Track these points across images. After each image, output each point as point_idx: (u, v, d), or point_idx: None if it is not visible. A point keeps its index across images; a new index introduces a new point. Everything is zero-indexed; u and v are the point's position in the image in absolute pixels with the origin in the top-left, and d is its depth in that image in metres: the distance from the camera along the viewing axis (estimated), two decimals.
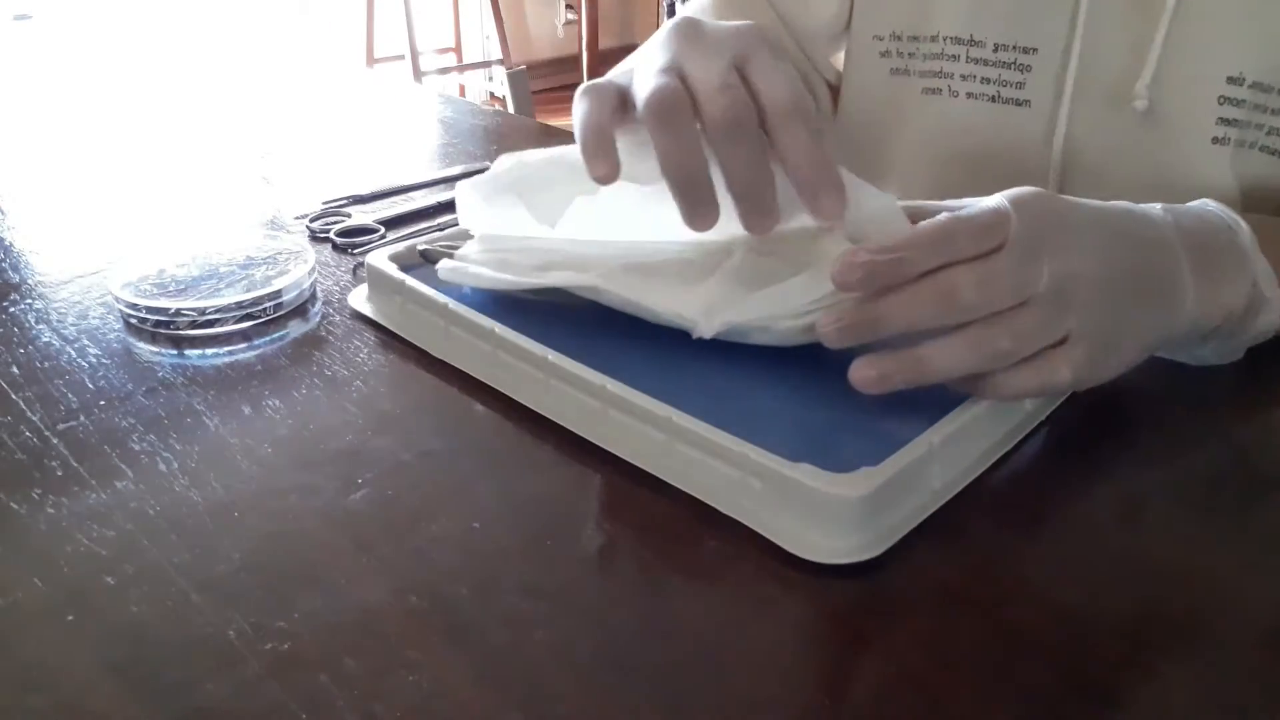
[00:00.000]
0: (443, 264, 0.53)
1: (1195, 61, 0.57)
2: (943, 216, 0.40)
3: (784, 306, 0.44)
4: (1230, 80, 0.57)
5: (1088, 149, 0.63)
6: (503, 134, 0.93)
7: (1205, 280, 0.43)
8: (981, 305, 0.39)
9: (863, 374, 0.40)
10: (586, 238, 0.52)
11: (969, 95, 0.67)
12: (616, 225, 0.51)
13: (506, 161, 0.53)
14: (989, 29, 0.65)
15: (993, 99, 0.66)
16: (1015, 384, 0.40)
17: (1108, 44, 0.60)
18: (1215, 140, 0.58)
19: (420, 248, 0.57)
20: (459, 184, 0.54)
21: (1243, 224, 0.46)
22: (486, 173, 0.53)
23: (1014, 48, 0.64)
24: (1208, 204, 0.47)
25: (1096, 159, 0.63)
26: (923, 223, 0.40)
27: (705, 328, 0.45)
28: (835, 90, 0.83)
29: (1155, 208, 0.44)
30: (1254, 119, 0.57)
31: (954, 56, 0.67)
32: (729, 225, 0.45)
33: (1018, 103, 0.65)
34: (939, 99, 0.69)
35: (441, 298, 0.50)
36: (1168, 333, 0.44)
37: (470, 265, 0.52)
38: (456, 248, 0.55)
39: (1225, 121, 0.57)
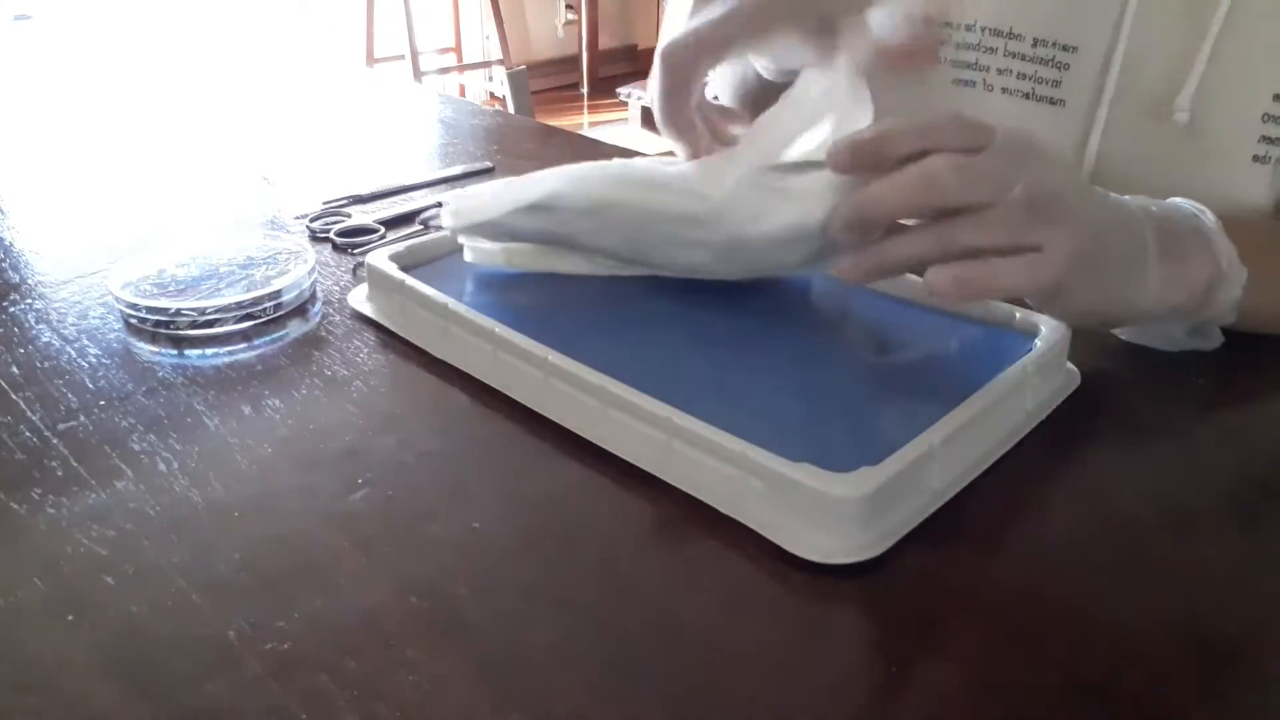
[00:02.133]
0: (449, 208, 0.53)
1: (1240, 77, 0.57)
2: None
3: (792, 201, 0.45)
4: (1276, 98, 0.56)
5: (1122, 157, 0.62)
6: (503, 134, 0.93)
7: (1170, 258, 0.45)
8: (958, 190, 0.41)
9: (840, 269, 0.44)
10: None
11: (1003, 90, 0.66)
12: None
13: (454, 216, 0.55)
14: (1030, 22, 0.63)
15: (1026, 96, 0.65)
16: (995, 275, 0.41)
17: (1152, 51, 0.59)
18: (1256, 159, 0.57)
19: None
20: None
21: (1208, 211, 0.48)
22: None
23: (1054, 44, 0.63)
24: (1178, 200, 0.49)
25: (1130, 168, 0.62)
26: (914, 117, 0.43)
27: (717, 195, 0.46)
28: None
29: (1124, 196, 0.46)
30: None
31: (991, 49, 0.66)
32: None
33: (1052, 102, 0.64)
34: (971, 92, 0.67)
35: (441, 298, 0.50)
36: (1125, 310, 0.46)
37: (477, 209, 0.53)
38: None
39: (1267, 140, 0.57)
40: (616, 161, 0.51)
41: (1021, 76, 0.65)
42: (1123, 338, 0.52)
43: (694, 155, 0.50)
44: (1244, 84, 0.57)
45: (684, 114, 0.49)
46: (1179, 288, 0.46)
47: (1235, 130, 0.58)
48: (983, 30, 0.66)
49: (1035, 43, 0.64)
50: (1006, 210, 0.41)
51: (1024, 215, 0.41)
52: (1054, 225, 0.41)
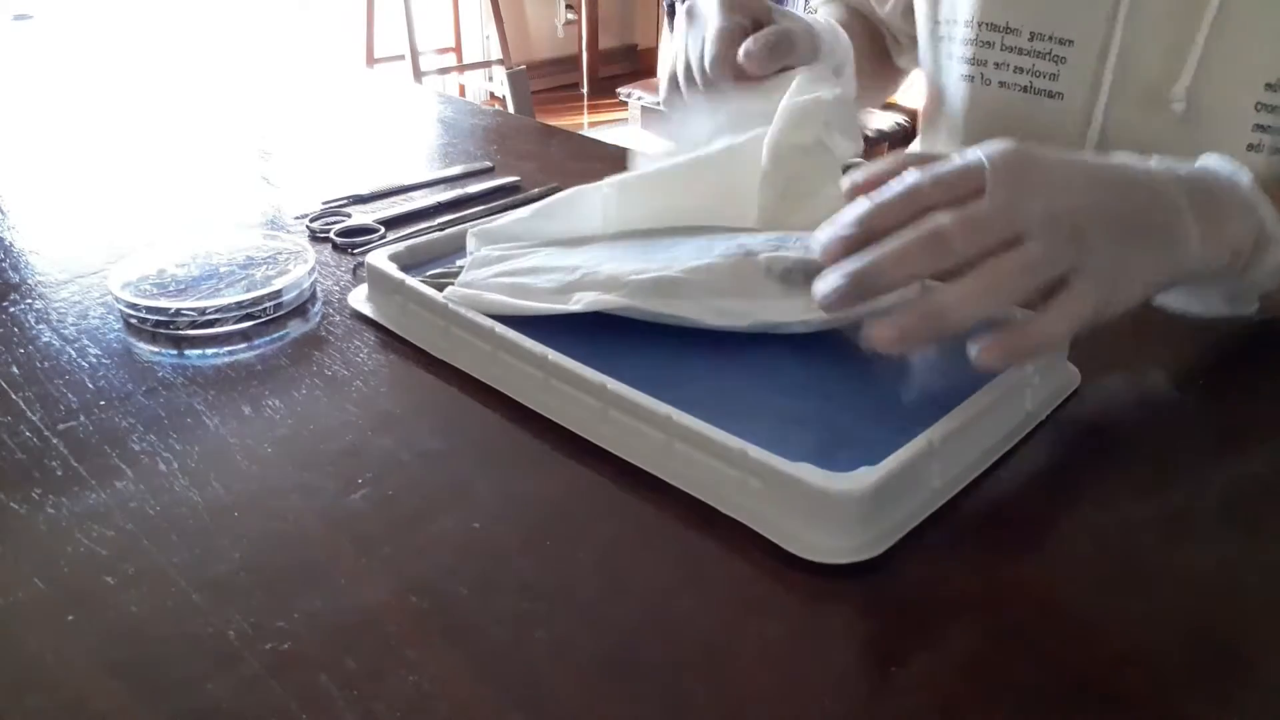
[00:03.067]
0: (450, 290, 0.51)
1: (1234, 66, 0.57)
2: (909, 170, 0.40)
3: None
4: (1269, 87, 0.56)
5: (1121, 147, 0.62)
6: (503, 134, 0.93)
7: (1208, 220, 0.43)
8: (969, 243, 0.38)
9: (882, 334, 0.38)
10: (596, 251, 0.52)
11: (1001, 84, 0.67)
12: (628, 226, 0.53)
13: (479, 254, 0.55)
14: (1025, 17, 0.64)
15: (1025, 89, 0.66)
16: (1044, 328, 0.39)
17: (1147, 42, 0.60)
18: (1250, 147, 0.58)
19: (429, 275, 0.55)
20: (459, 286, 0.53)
21: (1244, 170, 0.46)
22: (469, 272, 0.53)
23: (1050, 38, 0.64)
24: (1208, 157, 0.47)
25: None
26: (891, 182, 0.40)
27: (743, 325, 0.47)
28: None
29: (1151, 159, 0.44)
30: None
31: (988, 43, 0.67)
32: (731, 210, 0.46)
33: (1050, 94, 0.65)
34: (973, 86, 0.69)
35: (441, 298, 0.50)
36: (1174, 271, 0.44)
37: (484, 292, 0.51)
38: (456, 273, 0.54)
39: (1261, 128, 0.57)
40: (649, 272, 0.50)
41: (1019, 70, 0.66)
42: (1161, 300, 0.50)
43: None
44: (1238, 73, 0.57)
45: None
46: (1221, 248, 0.44)
47: (1230, 119, 0.58)
48: (979, 25, 0.67)
49: (1032, 36, 0.64)
50: (1036, 243, 0.38)
51: (1051, 242, 0.39)
52: (1074, 246, 0.39)
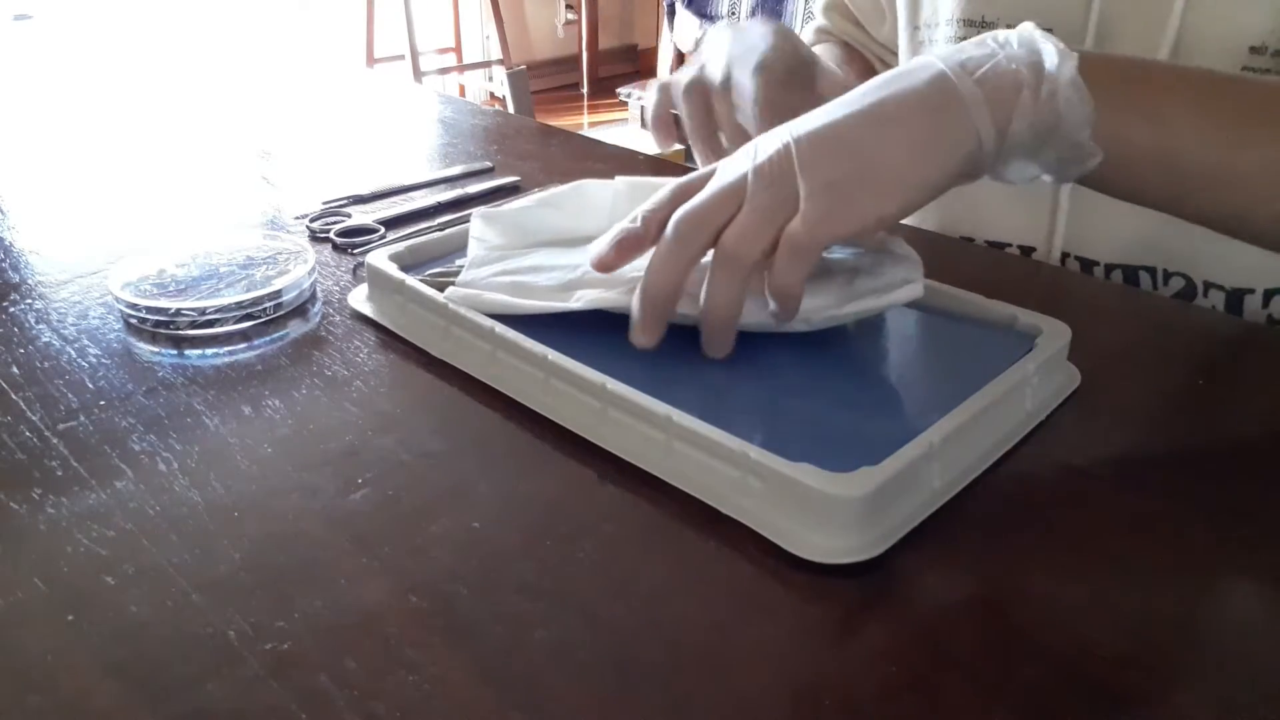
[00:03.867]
0: (451, 291, 0.51)
1: (1215, 33, 0.56)
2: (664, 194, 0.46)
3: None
4: (1253, 50, 0.55)
5: None
6: (503, 134, 0.93)
7: (986, 81, 0.42)
8: (699, 227, 0.43)
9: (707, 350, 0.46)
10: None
11: None
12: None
13: (478, 243, 0.56)
14: (1000, 10, 0.64)
15: None
16: (778, 277, 0.43)
17: (1123, 21, 0.59)
18: None
19: (429, 275, 0.55)
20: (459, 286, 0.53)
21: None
22: (472, 260, 0.54)
23: None
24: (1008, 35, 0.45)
25: None
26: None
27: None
28: None
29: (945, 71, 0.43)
30: None
31: (964, 39, 0.66)
32: None
33: None
34: None
35: (441, 298, 0.50)
36: (964, 155, 0.43)
37: (484, 292, 0.51)
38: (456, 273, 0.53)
39: None
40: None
41: None
42: (1009, 179, 0.46)
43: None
44: (1220, 39, 0.57)
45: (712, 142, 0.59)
46: (1002, 94, 0.42)
47: None
48: (956, 23, 0.67)
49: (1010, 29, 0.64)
50: (752, 206, 0.42)
51: (769, 193, 0.42)
52: (799, 178, 0.42)
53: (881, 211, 0.42)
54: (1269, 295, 0.62)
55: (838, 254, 0.50)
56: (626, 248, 0.46)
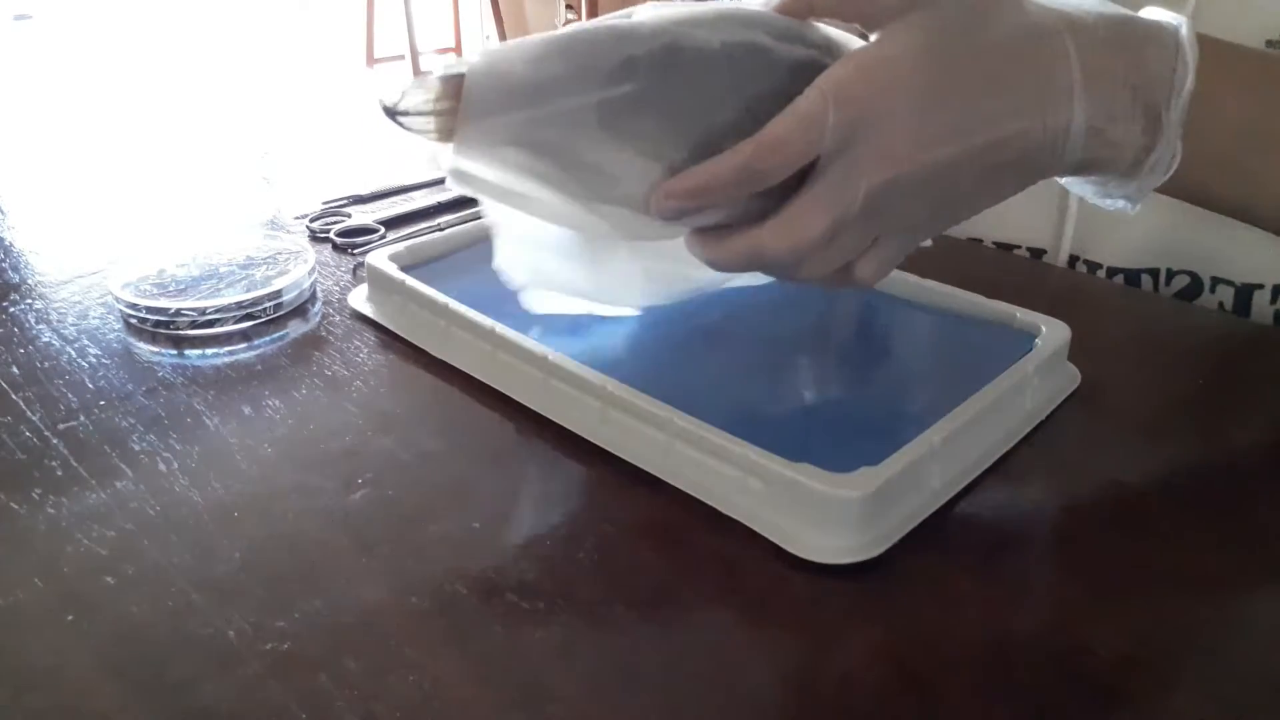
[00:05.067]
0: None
1: (1231, 27, 0.56)
2: (747, 150, 0.37)
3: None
4: (1270, 44, 0.55)
5: None
6: None
7: (1099, 133, 0.39)
8: (793, 261, 0.38)
9: (705, 253, 0.40)
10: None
11: None
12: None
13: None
14: None
15: None
16: (817, 279, 0.40)
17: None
18: None
19: None
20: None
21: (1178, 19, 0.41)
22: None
23: None
24: (1167, 29, 0.41)
25: None
26: (730, 154, 0.38)
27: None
28: None
29: (1066, 38, 0.39)
30: None
31: None
32: None
33: None
34: None
35: (441, 298, 0.50)
36: (1037, 178, 0.41)
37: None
38: None
39: None
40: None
41: None
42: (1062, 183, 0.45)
43: None
44: (1235, 35, 0.56)
45: None
46: (1102, 151, 0.40)
47: None
48: None
49: None
50: (845, 235, 0.38)
51: (860, 228, 0.38)
52: (885, 221, 0.38)
53: (936, 235, 0.41)
54: (1278, 290, 0.62)
55: None
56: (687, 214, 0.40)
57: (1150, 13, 0.43)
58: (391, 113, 0.38)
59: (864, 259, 0.40)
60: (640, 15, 0.39)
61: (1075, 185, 0.45)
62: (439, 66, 0.39)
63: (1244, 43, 0.55)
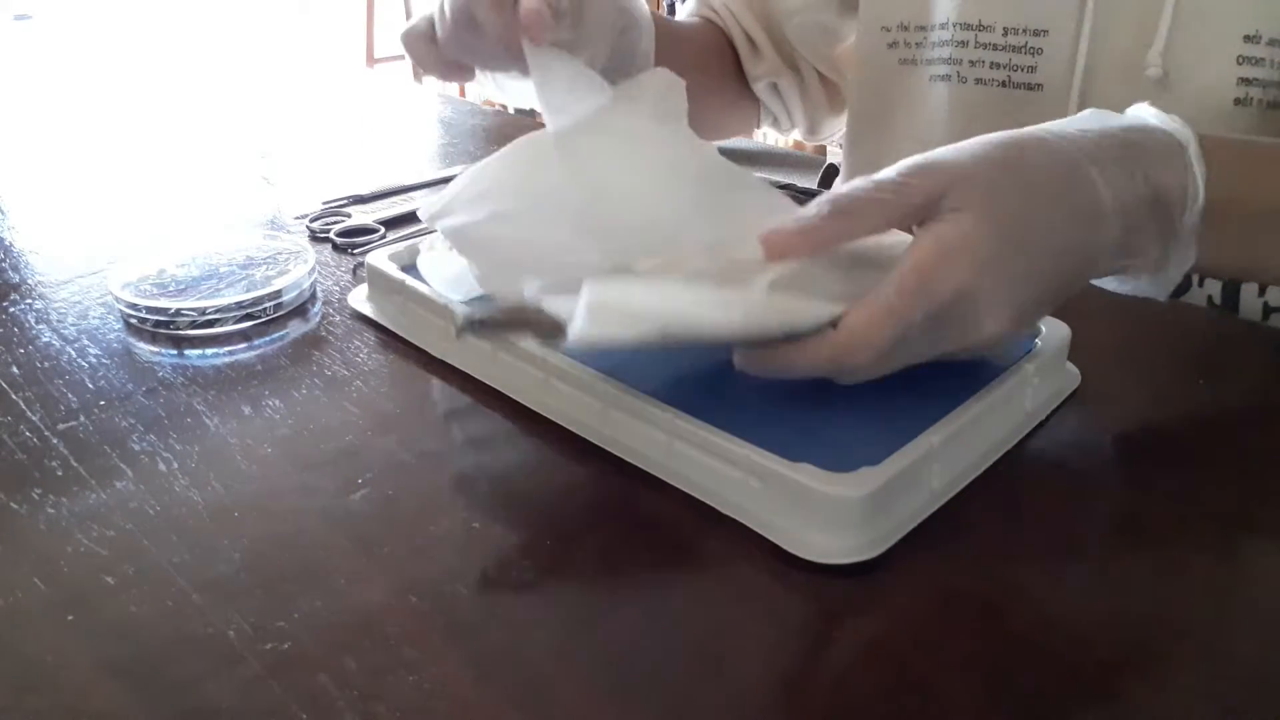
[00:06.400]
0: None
1: (1208, 24, 0.56)
2: (828, 349, 0.40)
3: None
4: (1247, 39, 0.56)
5: None
6: (503, 134, 0.93)
7: (1129, 251, 0.42)
8: (865, 367, 0.40)
9: (751, 366, 0.42)
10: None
11: (978, 81, 0.66)
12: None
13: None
14: (997, 13, 0.64)
15: (1003, 84, 0.65)
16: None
17: (1118, 17, 0.59)
18: (1238, 101, 0.57)
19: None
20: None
21: (1177, 124, 0.44)
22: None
23: (1024, 30, 0.63)
24: (1171, 147, 0.43)
25: None
26: (817, 345, 0.40)
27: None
28: (825, 80, 0.83)
29: (1095, 178, 0.41)
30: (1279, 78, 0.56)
31: (962, 43, 0.66)
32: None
33: (1030, 86, 0.64)
34: (948, 85, 0.68)
35: (442, 298, 0.50)
36: (1086, 277, 0.43)
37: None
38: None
39: (1246, 81, 0.56)
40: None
41: (995, 66, 0.65)
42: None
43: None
44: (1213, 30, 0.57)
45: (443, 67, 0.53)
46: (1140, 207, 0.42)
47: (1211, 79, 0.57)
48: (954, 26, 0.67)
49: (1005, 32, 0.64)
50: (929, 334, 0.39)
51: (946, 333, 0.40)
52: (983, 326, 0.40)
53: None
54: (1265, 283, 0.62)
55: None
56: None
57: (1152, 119, 0.44)
58: (476, 327, 0.42)
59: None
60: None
61: (1103, 283, 0.47)
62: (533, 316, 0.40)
63: (1221, 40, 0.56)
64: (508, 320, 0.42)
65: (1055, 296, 0.42)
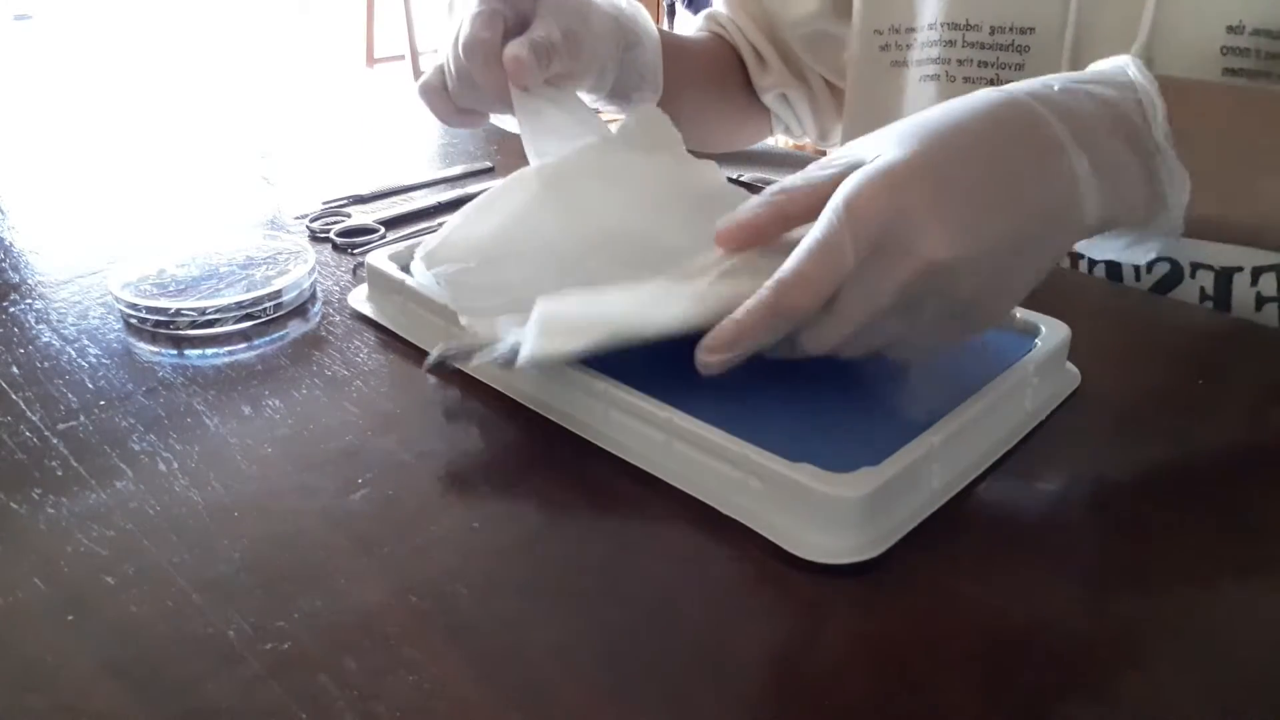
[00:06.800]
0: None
1: (1191, 17, 0.57)
2: (770, 294, 0.39)
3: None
4: (1230, 30, 0.56)
5: None
6: (503, 134, 0.93)
7: (1106, 179, 0.41)
8: (808, 301, 0.38)
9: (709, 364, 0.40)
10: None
11: (966, 80, 0.67)
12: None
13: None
14: (984, 12, 0.64)
15: (991, 82, 0.65)
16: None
17: (1102, 12, 0.60)
18: None
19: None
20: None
21: (1129, 67, 0.43)
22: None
23: (1010, 29, 0.64)
24: (1115, 73, 0.43)
25: None
26: (756, 301, 0.39)
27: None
28: (833, 87, 0.83)
29: (1034, 103, 0.41)
30: (1265, 67, 0.56)
31: (950, 42, 0.67)
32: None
33: None
34: (937, 84, 0.69)
35: (442, 298, 0.50)
36: (1065, 245, 0.42)
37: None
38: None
39: (1231, 72, 0.56)
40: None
41: (984, 65, 0.66)
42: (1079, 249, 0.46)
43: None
44: (1195, 23, 0.57)
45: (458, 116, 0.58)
46: (1119, 210, 0.41)
47: (1194, 69, 0.57)
48: (941, 26, 0.67)
49: (993, 30, 0.65)
50: (901, 315, 0.39)
51: (902, 319, 0.39)
52: (948, 299, 0.39)
53: (983, 328, 0.42)
54: (1257, 273, 0.62)
55: None
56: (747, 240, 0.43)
57: (1096, 67, 0.45)
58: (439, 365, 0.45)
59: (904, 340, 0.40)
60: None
61: (1111, 251, 0.46)
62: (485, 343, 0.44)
63: (1205, 29, 0.56)
64: (471, 354, 0.45)
65: (1023, 224, 0.39)
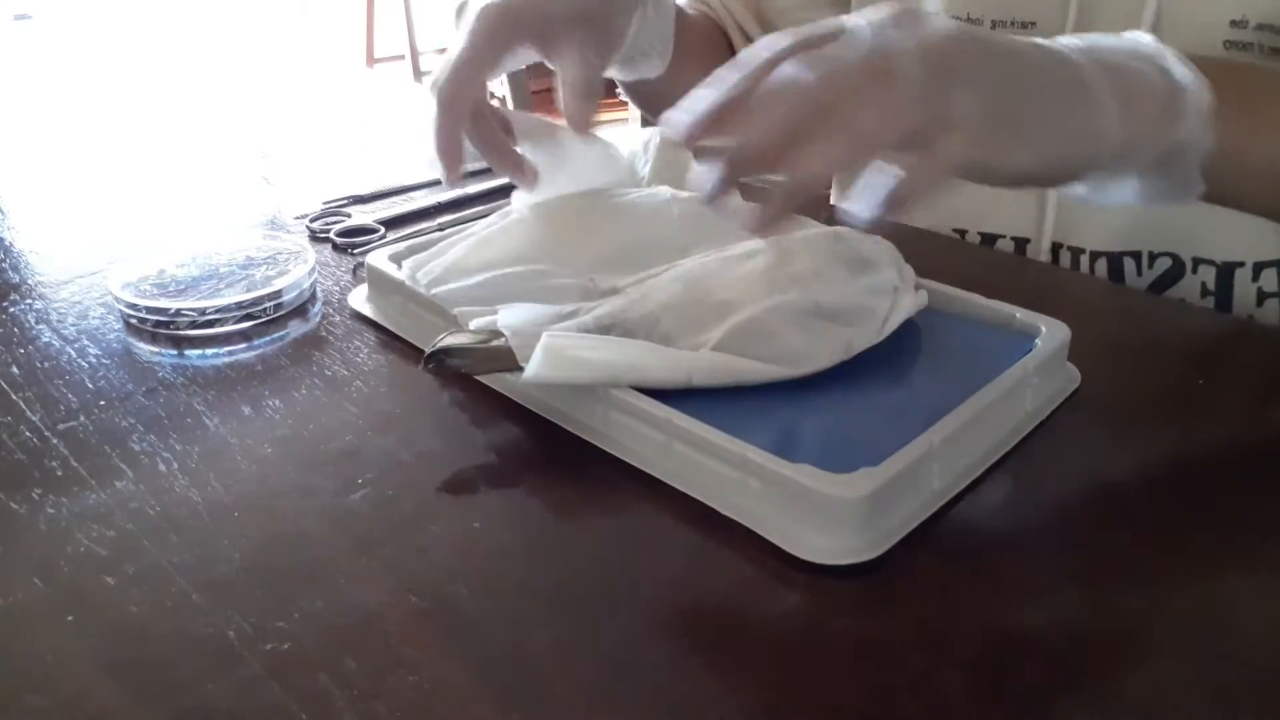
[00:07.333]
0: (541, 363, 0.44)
1: (1194, 9, 0.57)
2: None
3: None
4: (1234, 24, 0.56)
5: None
6: None
7: (1126, 95, 0.41)
8: (827, 82, 0.36)
9: (750, 225, 0.38)
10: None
11: None
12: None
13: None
14: (985, 6, 0.64)
15: None
16: (911, 184, 0.36)
17: (1103, 5, 0.60)
18: None
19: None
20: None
21: (1146, 38, 0.44)
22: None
23: (1011, 24, 0.64)
24: (1140, 44, 0.44)
25: None
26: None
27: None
28: None
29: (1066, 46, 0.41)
30: (1268, 61, 0.56)
31: None
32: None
33: None
34: None
35: (441, 297, 0.50)
36: (1084, 143, 0.40)
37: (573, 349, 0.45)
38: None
39: None
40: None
41: None
42: (1099, 203, 0.46)
43: (452, 176, 0.52)
44: (1198, 18, 0.57)
45: (456, 143, 0.52)
46: (1145, 121, 0.41)
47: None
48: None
49: (994, 25, 0.65)
50: (906, 80, 0.35)
51: (926, 78, 0.36)
52: (958, 87, 0.36)
53: (1025, 165, 0.39)
54: (1259, 268, 0.62)
55: (824, 297, 0.47)
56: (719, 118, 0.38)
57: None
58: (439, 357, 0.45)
59: (948, 136, 0.36)
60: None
61: (1131, 195, 0.45)
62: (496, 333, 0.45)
63: (1208, 25, 0.56)
64: (472, 357, 0.45)
65: (1015, 73, 0.38)
